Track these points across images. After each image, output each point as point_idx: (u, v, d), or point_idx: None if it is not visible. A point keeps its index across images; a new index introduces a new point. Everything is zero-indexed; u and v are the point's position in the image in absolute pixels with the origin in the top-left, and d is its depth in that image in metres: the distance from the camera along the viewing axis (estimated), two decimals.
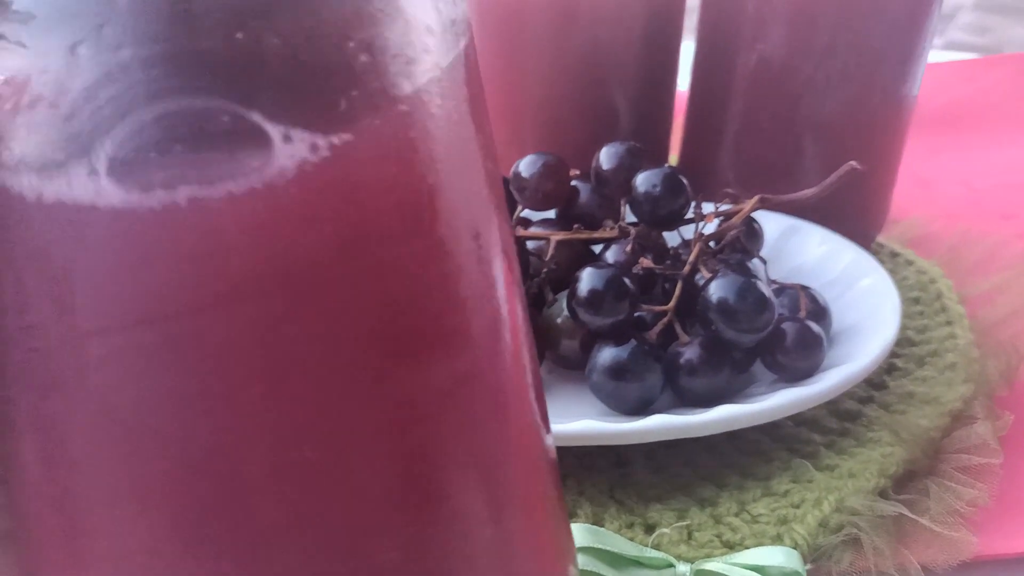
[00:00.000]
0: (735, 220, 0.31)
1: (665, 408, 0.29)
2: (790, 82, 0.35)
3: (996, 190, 0.46)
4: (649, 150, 0.37)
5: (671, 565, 0.24)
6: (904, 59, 0.35)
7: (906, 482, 0.27)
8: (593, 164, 0.33)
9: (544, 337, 0.31)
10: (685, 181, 0.31)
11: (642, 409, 0.29)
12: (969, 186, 0.46)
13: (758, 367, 0.31)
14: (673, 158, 0.42)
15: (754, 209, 0.31)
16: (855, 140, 0.36)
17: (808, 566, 0.24)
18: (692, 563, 0.24)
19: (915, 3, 0.35)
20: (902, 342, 0.34)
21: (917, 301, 0.36)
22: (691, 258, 0.30)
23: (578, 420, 0.28)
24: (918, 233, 0.41)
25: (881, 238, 0.40)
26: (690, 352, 0.29)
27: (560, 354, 0.31)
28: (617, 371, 0.28)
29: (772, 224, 0.36)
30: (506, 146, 0.39)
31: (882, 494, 0.27)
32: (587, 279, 0.29)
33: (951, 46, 2.54)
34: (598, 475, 0.28)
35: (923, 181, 0.46)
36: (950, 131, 0.51)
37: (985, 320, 0.34)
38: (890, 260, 0.39)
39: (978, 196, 0.45)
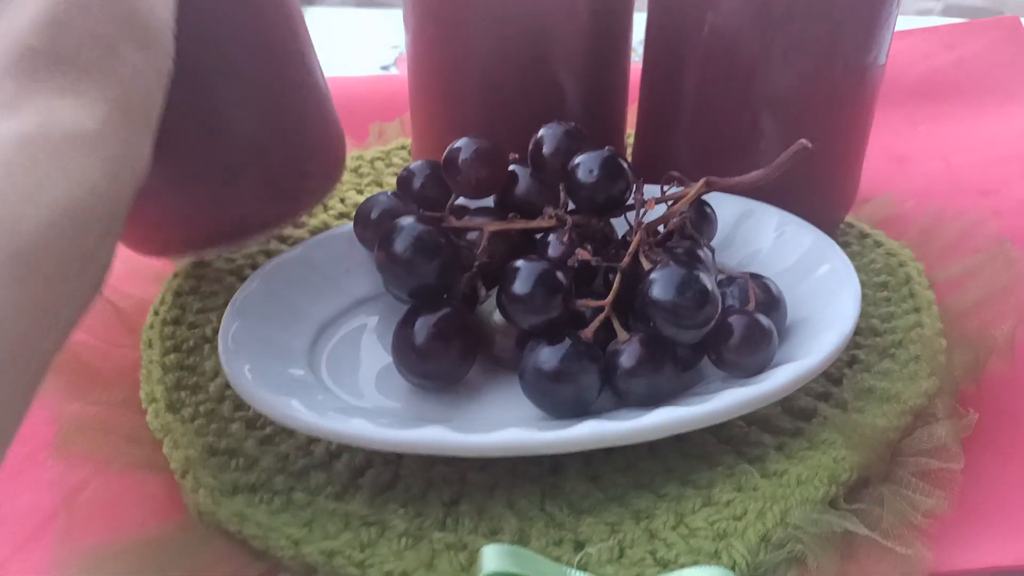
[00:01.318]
0: (679, 206, 0.29)
1: (607, 408, 0.27)
2: (743, 55, 0.32)
3: (975, 165, 0.43)
4: (595, 130, 0.35)
5: None
6: (868, 26, 0.33)
7: (859, 489, 0.25)
8: (530, 148, 0.31)
9: (478, 336, 0.29)
10: (625, 165, 0.29)
11: (579, 412, 0.27)
12: (947, 161, 0.44)
13: (707, 362, 0.28)
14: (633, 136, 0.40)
15: (700, 194, 0.29)
16: (817, 116, 0.34)
17: None
18: None
19: None
20: (866, 331, 0.32)
21: (884, 286, 0.34)
22: (631, 248, 0.28)
23: (511, 425, 0.26)
24: (890, 212, 0.39)
25: (850, 218, 0.38)
26: (629, 351, 0.26)
27: (495, 354, 0.29)
28: (549, 374, 0.26)
29: (728, 207, 0.33)
30: (448, 133, 0.37)
31: (832, 503, 0.25)
32: (516, 274, 0.27)
33: (950, 8, 2.50)
34: (530, 484, 0.26)
35: (898, 157, 0.44)
36: (928, 102, 0.48)
37: (954, 307, 0.32)
38: (858, 242, 0.37)
39: (956, 172, 0.43)
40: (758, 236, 0.33)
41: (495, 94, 0.36)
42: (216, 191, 0.31)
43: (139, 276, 0.35)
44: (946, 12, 2.49)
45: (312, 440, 0.28)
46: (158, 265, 0.36)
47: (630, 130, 0.40)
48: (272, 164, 0.32)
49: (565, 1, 0.34)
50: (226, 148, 0.30)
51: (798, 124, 0.34)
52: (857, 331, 0.31)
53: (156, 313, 0.33)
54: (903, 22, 0.57)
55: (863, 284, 0.33)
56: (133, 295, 0.34)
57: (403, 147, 0.45)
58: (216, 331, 0.33)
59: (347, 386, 0.29)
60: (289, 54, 0.32)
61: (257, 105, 0.31)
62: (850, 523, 0.23)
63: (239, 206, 0.32)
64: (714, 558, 0.23)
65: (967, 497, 0.24)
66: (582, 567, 0.23)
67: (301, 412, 0.26)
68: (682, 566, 0.23)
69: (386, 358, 0.29)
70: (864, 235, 0.37)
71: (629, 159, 0.41)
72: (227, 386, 0.30)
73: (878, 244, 0.36)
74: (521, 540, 0.24)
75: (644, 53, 0.37)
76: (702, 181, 0.29)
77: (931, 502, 0.24)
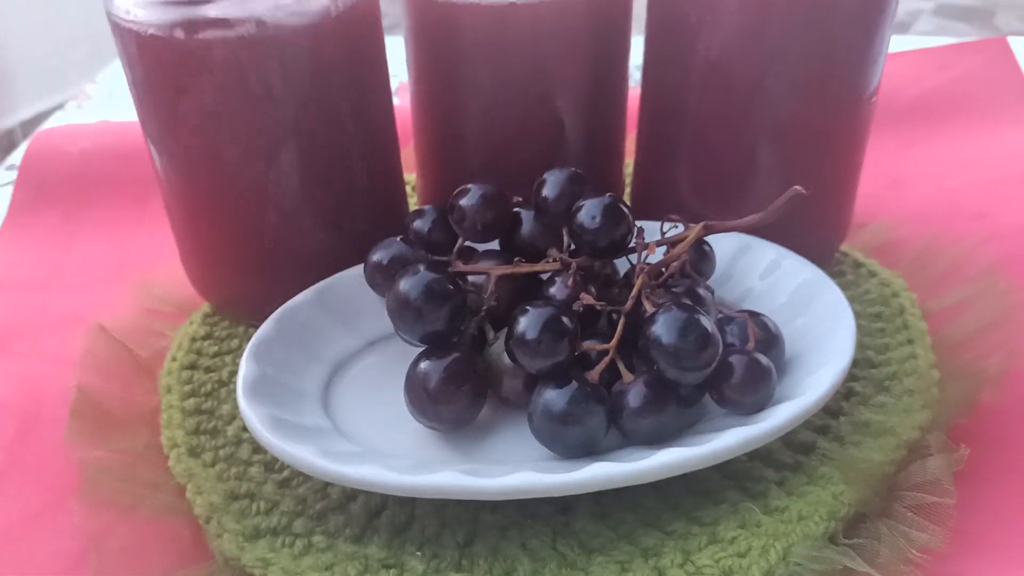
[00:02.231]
0: (679, 249, 0.30)
1: (613, 447, 0.28)
2: (739, 88, 0.33)
3: (969, 188, 0.44)
4: (594, 162, 0.36)
5: None
6: (860, 58, 0.34)
7: (857, 523, 0.26)
8: (534, 192, 0.32)
9: (486, 379, 0.30)
10: (626, 209, 0.30)
11: (587, 452, 0.28)
12: (940, 185, 0.45)
13: (709, 399, 0.29)
14: (630, 164, 0.41)
15: (698, 237, 0.30)
16: (812, 148, 0.35)
17: None
18: None
19: (870, 4, 0.33)
20: (862, 363, 0.33)
21: (879, 317, 0.35)
22: (633, 292, 0.29)
23: (521, 465, 0.27)
24: (885, 239, 0.40)
25: (845, 246, 0.39)
26: (634, 392, 0.27)
27: (503, 395, 0.30)
28: (558, 416, 0.27)
29: (726, 242, 0.34)
30: (451, 174, 0.38)
31: (831, 539, 0.26)
32: (523, 320, 0.28)
33: (942, 8, 2.50)
34: (541, 524, 0.27)
35: (892, 180, 0.45)
36: (922, 125, 0.49)
37: (948, 339, 0.33)
38: (853, 271, 0.38)
39: (950, 195, 0.44)
40: (755, 271, 0.34)
41: (498, 131, 0.37)
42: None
43: (155, 327, 0.37)
44: (938, 12, 2.50)
45: (326, 484, 0.29)
46: (172, 317, 0.37)
47: (629, 159, 0.41)
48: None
49: (564, 38, 0.35)
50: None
51: (793, 156, 0.35)
52: (853, 363, 0.32)
53: (173, 359, 0.34)
54: (895, 42, 0.58)
55: (857, 315, 0.34)
56: (150, 344, 0.35)
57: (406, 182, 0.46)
58: (232, 374, 0.34)
59: (360, 428, 0.30)
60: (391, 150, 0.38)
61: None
62: (849, 559, 0.24)
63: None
64: None
65: (960, 529, 0.25)
66: None
67: (317, 459, 0.26)
68: None
69: (398, 399, 0.30)
70: (858, 264, 0.38)
71: (628, 188, 0.42)
72: (245, 429, 0.31)
73: (872, 274, 0.37)
74: None
75: (642, 85, 0.38)
76: (701, 225, 0.30)
77: (926, 537, 0.25)
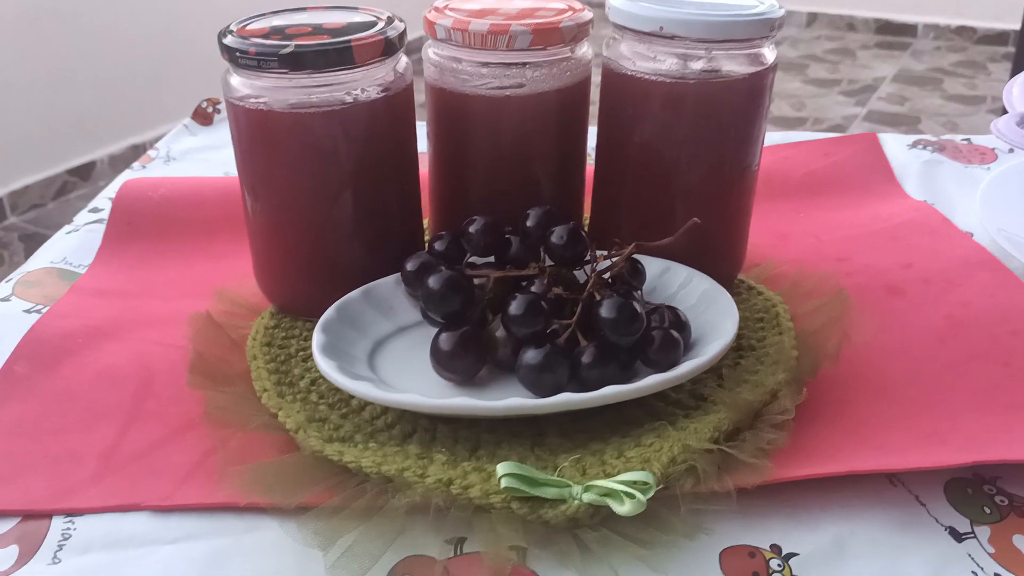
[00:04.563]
0: (619, 260, 0.44)
1: (573, 391, 0.41)
2: (661, 161, 0.48)
3: (837, 241, 0.59)
4: (563, 213, 0.50)
5: (569, 485, 0.36)
6: (744, 141, 0.49)
7: (734, 434, 0.40)
8: (520, 223, 0.46)
9: (486, 347, 0.43)
10: (584, 233, 0.44)
11: (554, 393, 0.41)
12: (817, 238, 0.60)
13: (639, 364, 0.43)
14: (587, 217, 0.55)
15: (632, 253, 0.44)
16: (711, 203, 0.49)
17: (660, 486, 0.36)
18: (582, 484, 0.36)
19: (749, 105, 0.48)
20: (747, 348, 0.47)
21: (761, 320, 0.49)
22: (588, 287, 0.43)
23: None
24: (771, 273, 0.54)
25: (743, 276, 0.54)
26: (587, 353, 0.41)
27: (498, 359, 0.43)
28: (536, 367, 0.40)
29: (654, 265, 0.49)
30: (459, 208, 0.52)
31: (715, 442, 0.39)
32: (515, 303, 0.41)
33: (872, 114, 2.76)
34: (524, 439, 0.40)
35: (781, 235, 0.60)
36: (807, 196, 0.65)
37: (805, 330, 0.47)
38: (747, 292, 0.52)
39: (822, 245, 0.59)
40: (675, 283, 0.48)
41: (492, 186, 0.51)
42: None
43: (234, 322, 0.49)
44: (868, 118, 2.77)
45: (374, 417, 0.42)
46: (244, 316, 0.50)
47: (586, 214, 0.56)
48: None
49: (541, 123, 0.50)
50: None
51: (699, 209, 0.49)
52: (740, 347, 0.46)
53: (254, 339, 0.47)
54: (793, 136, 0.74)
55: (746, 319, 0.48)
56: (235, 330, 0.48)
57: None
58: (298, 350, 0.47)
59: (396, 380, 0.43)
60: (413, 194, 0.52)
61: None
62: (726, 449, 0.38)
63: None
64: (641, 471, 0.37)
65: (797, 437, 0.39)
66: (559, 476, 0.37)
67: (373, 391, 0.39)
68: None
69: (423, 364, 0.43)
70: (751, 288, 0.52)
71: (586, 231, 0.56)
72: (312, 382, 0.44)
73: (760, 293, 0.52)
74: None
75: (596, 157, 0.52)
76: (633, 244, 0.44)
77: (774, 438, 0.38)
